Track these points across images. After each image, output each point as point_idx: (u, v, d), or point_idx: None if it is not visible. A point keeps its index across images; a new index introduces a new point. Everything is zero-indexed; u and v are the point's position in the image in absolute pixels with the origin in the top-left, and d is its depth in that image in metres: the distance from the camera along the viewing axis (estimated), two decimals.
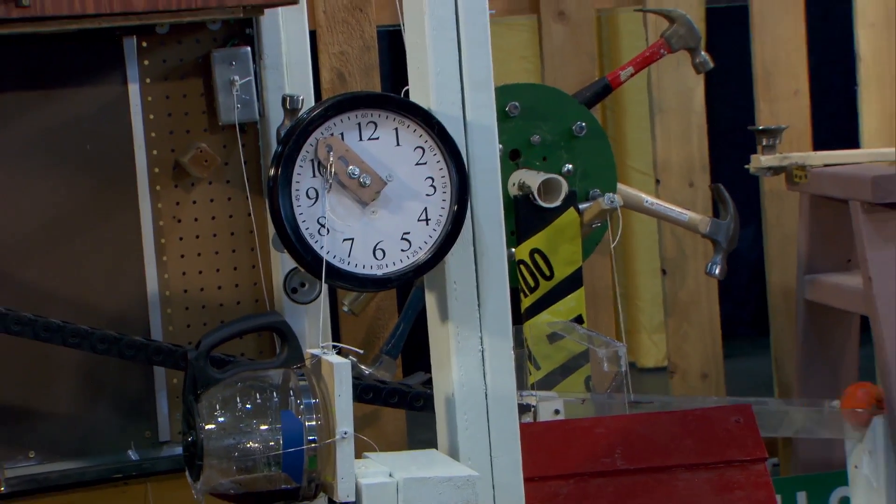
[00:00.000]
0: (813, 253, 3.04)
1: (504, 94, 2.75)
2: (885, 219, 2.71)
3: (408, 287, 2.64)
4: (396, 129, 1.95)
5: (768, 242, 3.23)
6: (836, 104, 3.47)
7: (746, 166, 3.00)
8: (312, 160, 1.91)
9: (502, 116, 2.73)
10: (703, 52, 2.91)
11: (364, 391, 2.56)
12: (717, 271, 2.92)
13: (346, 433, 1.87)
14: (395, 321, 2.86)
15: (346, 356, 1.97)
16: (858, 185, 2.74)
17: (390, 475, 1.92)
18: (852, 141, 3.19)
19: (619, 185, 2.85)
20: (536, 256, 2.72)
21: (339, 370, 1.89)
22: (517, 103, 2.76)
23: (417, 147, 1.97)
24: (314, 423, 1.87)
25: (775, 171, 2.98)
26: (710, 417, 2.40)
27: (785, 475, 3.16)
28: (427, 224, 1.97)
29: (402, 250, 1.97)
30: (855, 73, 3.23)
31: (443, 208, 1.98)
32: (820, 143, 3.15)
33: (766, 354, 3.32)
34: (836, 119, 3.49)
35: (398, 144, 1.96)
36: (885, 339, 2.68)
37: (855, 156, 2.96)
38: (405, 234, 1.97)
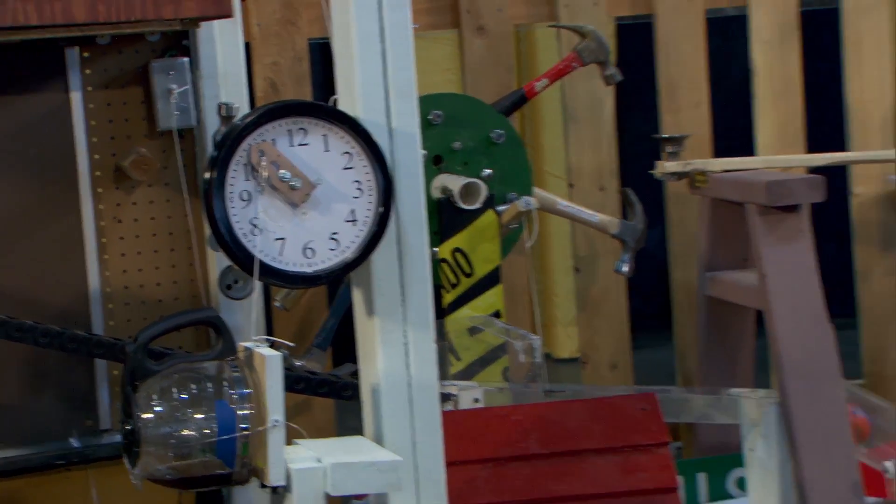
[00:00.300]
0: (713, 252, 3.06)
1: (427, 103, 2.75)
2: (778, 220, 2.73)
3: (337, 283, 2.64)
4: (325, 135, 1.95)
5: (672, 242, 3.25)
6: (735, 115, 3.49)
7: (652, 172, 3.02)
8: (246, 164, 1.90)
9: (426, 124, 2.73)
10: (611, 66, 2.92)
11: (295, 381, 2.55)
12: (625, 269, 2.94)
13: (276, 421, 1.86)
14: (326, 316, 2.85)
15: (277, 349, 1.96)
16: (754, 189, 2.77)
17: (319, 460, 1.91)
18: (748, 149, 3.21)
19: (535, 189, 2.86)
20: (458, 255, 2.72)
21: (270, 362, 1.88)
22: (440, 112, 2.76)
23: (345, 152, 1.96)
24: (247, 412, 1.86)
25: (679, 176, 2.99)
26: (618, 405, 2.41)
27: (687, 458, 3.17)
28: (354, 224, 1.97)
29: (331, 249, 1.96)
30: (750, 86, 3.26)
31: (369, 209, 1.97)
32: (719, 151, 3.17)
33: (671, 346, 3.34)
34: (734, 129, 3.52)
35: (327, 150, 1.96)
36: (778, 332, 2.70)
37: (751, 162, 2.99)
38: (334, 233, 1.96)
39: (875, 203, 3.27)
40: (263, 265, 1.90)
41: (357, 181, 1.97)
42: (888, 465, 2.63)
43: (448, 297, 2.72)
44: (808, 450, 2.63)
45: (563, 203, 2.97)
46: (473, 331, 2.70)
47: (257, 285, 2.06)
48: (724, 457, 3.07)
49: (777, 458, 2.67)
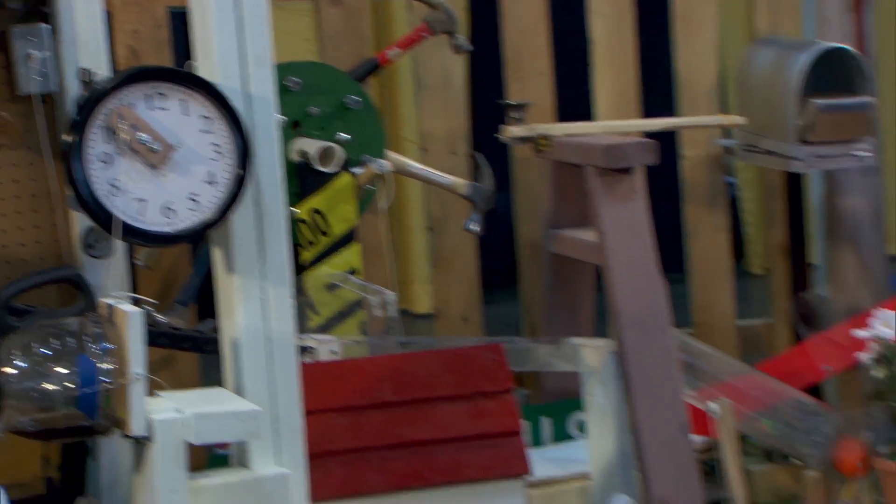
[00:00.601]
0: (556, 211, 3.09)
1: (284, 70, 2.72)
2: (615, 181, 2.77)
3: (199, 242, 2.59)
4: (183, 100, 1.93)
5: (518, 202, 3.27)
6: (576, 83, 3.52)
7: (498, 136, 3.03)
8: (105, 127, 1.86)
9: (283, 90, 2.70)
10: (460, 36, 2.92)
11: (158, 337, 2.52)
12: (475, 228, 2.96)
13: (138, 374, 1.83)
14: (189, 273, 2.81)
15: (141, 305, 1.94)
16: (593, 152, 2.79)
17: (180, 411, 1.89)
18: (588, 115, 3.24)
19: (389, 153, 2.85)
20: (316, 215, 2.70)
21: (130, 317, 1.86)
22: (297, 79, 2.73)
23: (203, 116, 1.94)
24: (108, 366, 1.83)
25: (523, 140, 3.01)
26: (467, 355, 2.42)
27: (533, 403, 3.21)
28: (213, 186, 1.95)
29: (191, 209, 1.94)
30: (588, 56, 3.29)
31: (227, 172, 1.95)
32: (562, 117, 3.19)
33: (518, 300, 3.36)
34: (574, 97, 3.54)
35: (185, 114, 1.93)
36: (615, 285, 2.73)
37: (590, 128, 3.02)
38: (193, 194, 1.94)
39: (703, 164, 3.33)
40: (124, 225, 1.87)
41: (215, 144, 1.95)
42: (713, 406, 2.70)
43: (306, 256, 2.70)
44: (640, 394, 2.67)
45: (415, 166, 2.96)
46: (331, 287, 2.69)
47: (118, 244, 2.03)
48: (566, 402, 3.10)
49: (613, 402, 2.72)
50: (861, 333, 2.74)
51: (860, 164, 3.01)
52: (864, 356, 2.73)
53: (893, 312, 2.73)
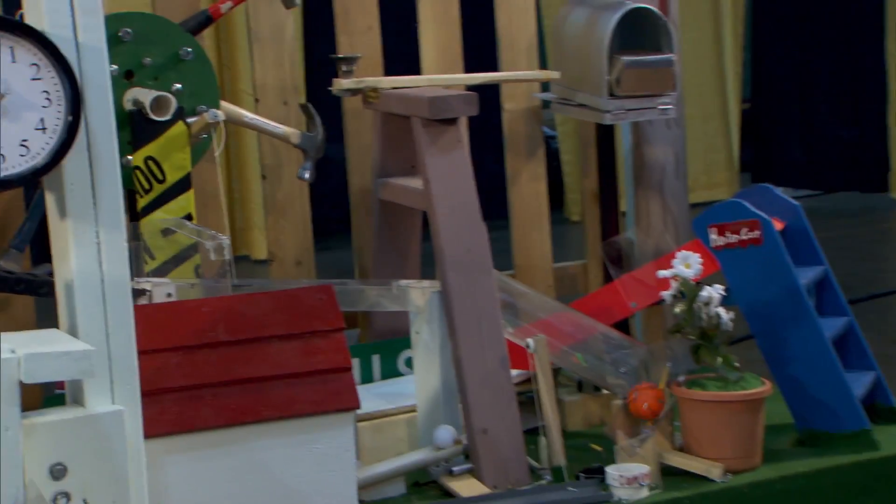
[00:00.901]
0: (384, 160, 3.09)
1: (117, 21, 2.66)
2: (440, 132, 2.78)
3: (34, 187, 2.52)
4: (12, 47, 1.87)
5: (349, 152, 3.26)
6: (404, 38, 3.52)
7: (330, 88, 3.01)
8: None
9: (116, 41, 2.64)
10: None
11: None
12: (306, 175, 2.94)
13: None
14: (23, 218, 2.73)
15: None
16: (418, 104, 2.80)
17: (13, 351, 1.85)
18: (415, 69, 3.25)
19: (222, 103, 2.81)
20: (150, 163, 2.66)
21: None
22: (129, 29, 2.67)
23: (32, 64, 1.88)
24: None
25: (353, 92, 2.99)
26: (299, 296, 2.42)
27: (363, 342, 3.22)
28: (44, 132, 1.90)
29: (21, 155, 1.89)
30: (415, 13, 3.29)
31: (58, 119, 1.91)
32: (389, 71, 3.19)
33: (351, 245, 3.36)
34: (402, 51, 3.54)
35: (14, 61, 1.88)
36: (440, 230, 2.75)
37: (416, 81, 3.02)
38: (23, 140, 1.89)
39: (522, 117, 3.36)
40: None
41: (46, 91, 1.90)
42: (530, 341, 2.75)
43: (142, 202, 2.66)
44: (463, 331, 2.71)
45: (249, 116, 2.93)
46: (166, 232, 2.65)
47: None
48: (395, 340, 3.13)
49: (438, 339, 2.75)
50: (664, 273, 2.82)
51: (664, 116, 3.08)
52: (666, 294, 2.81)
53: (693, 254, 2.81)
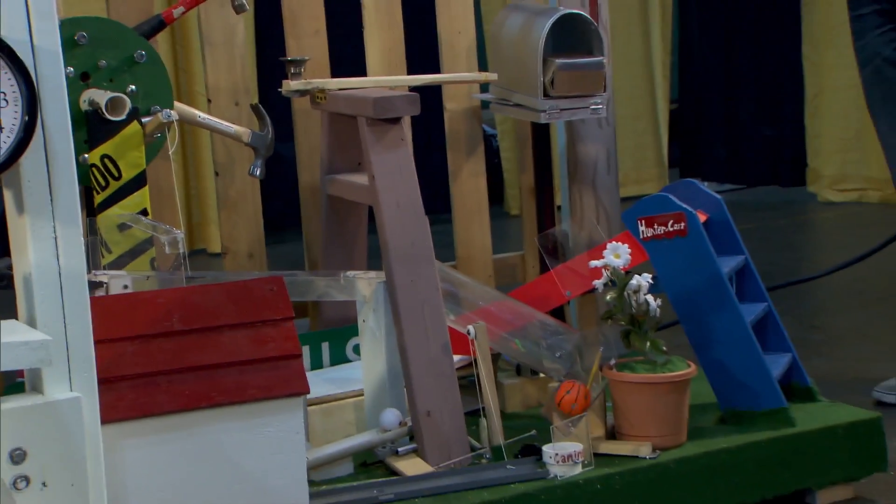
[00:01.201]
0: (332, 157, 3.09)
1: (73, 25, 2.62)
2: (384, 130, 2.78)
3: None
4: None
5: (299, 150, 3.24)
6: (350, 42, 3.51)
7: (279, 89, 3.00)
8: None
9: (72, 44, 2.61)
10: None
11: None
12: (257, 172, 2.92)
13: None
14: None
15: None
16: (364, 104, 2.80)
17: None
18: (360, 71, 3.24)
19: (176, 103, 2.79)
20: (106, 161, 2.63)
21: None
22: (85, 33, 2.63)
23: None
24: None
25: (302, 93, 2.99)
26: (251, 287, 2.41)
27: (313, 330, 3.22)
28: (1, 132, 1.87)
29: None
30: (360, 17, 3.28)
31: (15, 119, 1.88)
32: (336, 73, 3.18)
33: (301, 239, 3.35)
34: (348, 53, 3.54)
35: None
36: (385, 223, 2.75)
37: (362, 82, 3.01)
38: None
39: (463, 116, 3.37)
40: None
41: (3, 92, 1.87)
42: (470, 328, 2.75)
43: (99, 198, 2.63)
44: (407, 319, 2.71)
45: (202, 116, 2.91)
46: (122, 227, 2.63)
47: None
48: (343, 328, 3.13)
49: (384, 327, 2.75)
50: (596, 263, 2.84)
51: (596, 115, 3.10)
52: (598, 282, 2.83)
53: (623, 245, 2.83)
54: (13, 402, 1.89)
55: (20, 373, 2.29)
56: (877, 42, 3.22)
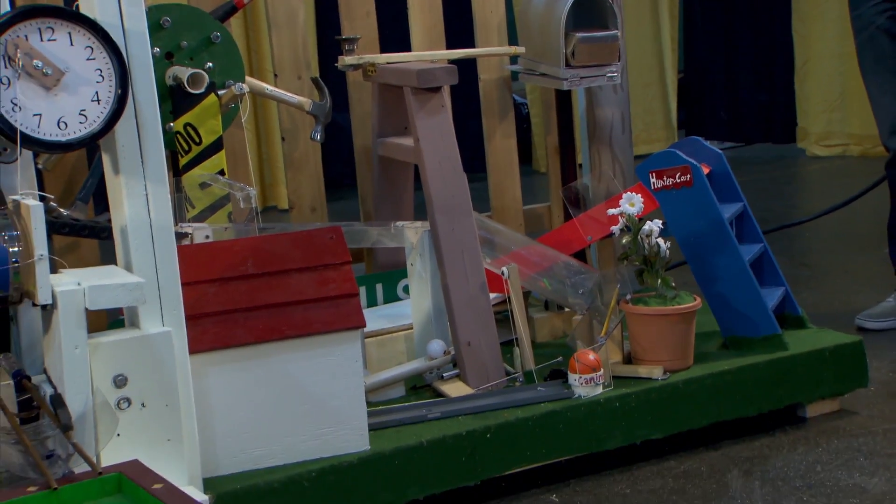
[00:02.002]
0: (382, 123, 3.07)
1: (158, 11, 2.61)
2: (427, 98, 2.76)
3: (95, 149, 2.51)
4: (70, 32, 1.84)
5: (354, 117, 3.23)
6: (397, 22, 3.47)
7: (335, 64, 2.98)
8: (4, 56, 1.76)
9: (157, 27, 2.61)
10: None
11: (62, 227, 2.43)
12: (318, 137, 2.91)
13: (41, 255, 1.77)
14: (87, 175, 2.71)
15: (46, 202, 1.87)
16: (409, 75, 2.78)
17: (79, 284, 1.84)
18: (406, 47, 3.21)
19: (247, 78, 2.78)
20: (189, 128, 2.63)
21: (34, 210, 1.79)
22: (168, 18, 2.62)
23: (87, 46, 1.86)
24: (16, 248, 1.76)
25: (355, 67, 2.96)
26: (313, 235, 2.41)
27: (368, 273, 3.22)
28: (99, 104, 1.88)
29: (80, 123, 1.87)
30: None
31: (110, 92, 1.88)
32: (384, 49, 3.15)
33: (356, 195, 3.34)
34: (395, 32, 3.50)
35: (72, 44, 1.85)
36: (429, 179, 2.73)
37: (407, 57, 2.99)
38: (82, 110, 1.87)
39: (495, 85, 3.33)
40: (24, 135, 1.79)
41: (99, 69, 1.87)
42: (504, 269, 2.74)
43: (183, 161, 2.63)
44: (449, 262, 2.70)
45: (269, 88, 2.90)
46: (203, 185, 2.63)
47: (22, 151, 1.94)
48: (394, 272, 3.13)
49: (429, 270, 2.75)
50: (613, 211, 2.81)
51: (611, 82, 3.06)
52: (615, 228, 2.80)
53: (636, 195, 2.80)
54: (115, 336, 1.91)
55: (121, 311, 2.32)
56: (870, 12, 3.16)
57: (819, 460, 2.59)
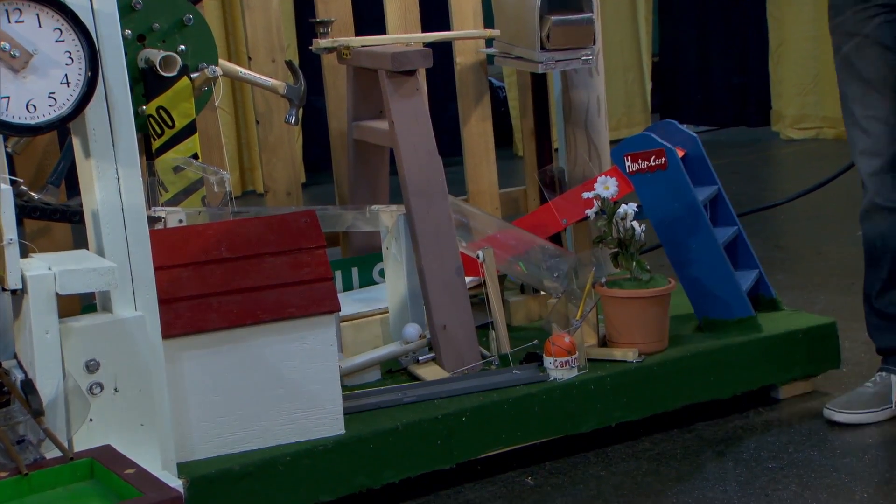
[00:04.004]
0: (357, 106, 3.05)
1: None
2: (401, 81, 2.74)
3: (66, 132, 2.47)
4: (37, 14, 1.81)
5: (329, 100, 3.20)
6: (372, 3, 3.44)
7: (310, 47, 2.95)
8: None
9: (129, 10, 2.57)
10: None
11: (33, 211, 2.40)
12: (292, 120, 2.88)
13: (10, 240, 1.74)
14: (58, 158, 2.68)
15: (15, 186, 1.84)
16: (383, 59, 2.75)
17: (49, 268, 1.81)
18: (381, 30, 3.18)
19: (220, 60, 2.74)
20: (161, 112, 2.60)
21: (3, 194, 1.76)
22: (140, 0, 2.59)
23: (56, 28, 1.83)
24: None
25: (329, 50, 2.94)
26: (287, 220, 2.39)
27: (344, 257, 3.20)
28: (68, 86, 1.85)
29: (50, 105, 1.84)
30: None
31: (80, 75, 1.85)
32: (359, 31, 3.13)
33: (332, 178, 3.32)
34: (370, 14, 3.47)
35: (40, 26, 1.81)
36: (404, 162, 2.72)
37: (382, 40, 2.97)
38: (51, 93, 1.84)
39: (471, 68, 3.31)
40: None
41: (68, 51, 1.84)
42: (480, 253, 2.73)
43: (156, 144, 2.60)
44: (425, 246, 2.69)
45: (243, 71, 2.86)
46: (177, 169, 2.61)
47: None
48: (370, 255, 3.11)
49: (405, 253, 2.73)
50: (588, 194, 2.81)
51: (587, 66, 3.04)
52: (590, 211, 2.80)
53: (611, 178, 2.80)
54: (87, 320, 1.89)
55: (93, 295, 2.29)
56: (853, 20, 2.50)
57: (792, 441, 2.60)
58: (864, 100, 2.51)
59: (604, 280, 2.76)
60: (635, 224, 2.71)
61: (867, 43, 2.48)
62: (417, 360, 2.69)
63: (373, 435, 2.34)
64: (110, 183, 1.93)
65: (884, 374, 2.68)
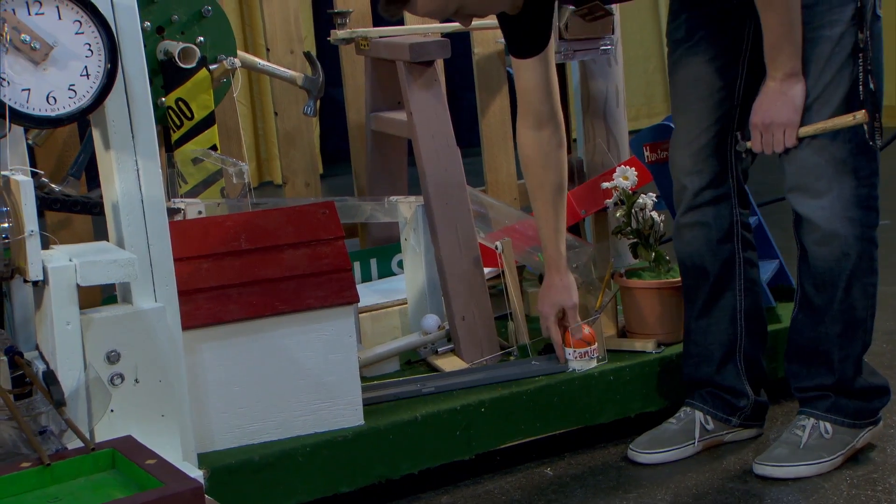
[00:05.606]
0: (375, 97, 3.06)
1: None
2: (419, 72, 2.75)
3: (86, 124, 2.50)
4: (58, 6, 1.82)
5: (346, 91, 3.21)
6: None
7: (328, 38, 2.96)
8: None
9: (148, 1, 2.59)
10: None
11: (53, 203, 2.42)
12: (310, 111, 2.90)
13: (31, 231, 1.76)
14: (78, 150, 2.70)
15: (36, 177, 1.86)
16: (401, 49, 2.76)
17: (70, 259, 1.83)
18: (399, 20, 3.18)
19: (239, 52, 2.76)
20: (180, 103, 2.62)
21: (23, 185, 1.78)
22: None
23: (76, 20, 1.84)
24: (6, 224, 1.75)
25: (347, 41, 2.95)
26: (306, 211, 2.40)
27: (363, 248, 3.22)
28: (88, 78, 1.87)
29: (70, 97, 1.86)
30: None
31: (99, 67, 1.87)
32: (377, 22, 3.13)
33: (350, 169, 3.33)
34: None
35: (60, 18, 1.83)
36: (422, 154, 2.73)
37: (400, 30, 2.98)
38: (71, 85, 1.86)
39: (489, 59, 3.32)
40: (13, 111, 1.78)
41: (88, 43, 1.86)
42: (498, 244, 2.74)
43: (175, 136, 2.62)
44: (443, 237, 2.70)
45: (261, 63, 2.88)
46: (196, 161, 2.63)
47: (12, 127, 1.93)
48: (389, 246, 3.13)
49: (423, 244, 2.75)
50: (607, 185, 2.81)
51: (605, 55, 3.04)
52: (609, 202, 2.80)
53: (630, 168, 2.79)
54: (108, 312, 1.91)
55: (114, 287, 2.32)
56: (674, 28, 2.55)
57: None
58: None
59: (623, 270, 2.76)
60: (654, 214, 2.71)
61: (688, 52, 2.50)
62: (436, 351, 2.71)
63: (392, 426, 2.36)
64: (130, 174, 1.95)
65: (688, 409, 2.54)
